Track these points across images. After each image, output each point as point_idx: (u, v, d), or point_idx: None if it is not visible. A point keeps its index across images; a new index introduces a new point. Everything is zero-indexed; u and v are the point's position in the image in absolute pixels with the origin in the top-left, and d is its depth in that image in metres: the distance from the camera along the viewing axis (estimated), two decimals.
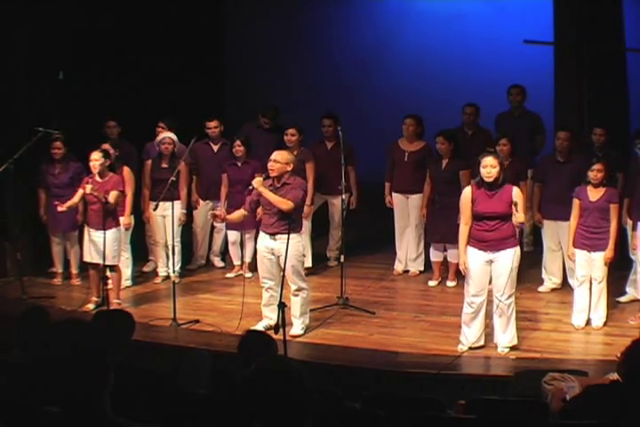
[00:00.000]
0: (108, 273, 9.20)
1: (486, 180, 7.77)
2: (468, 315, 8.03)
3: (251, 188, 8.34)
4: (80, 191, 9.23)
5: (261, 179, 8.36)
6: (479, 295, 7.94)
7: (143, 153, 10.72)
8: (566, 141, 9.43)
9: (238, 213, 8.61)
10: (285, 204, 8.21)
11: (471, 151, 10.10)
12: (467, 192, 7.96)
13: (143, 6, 12.14)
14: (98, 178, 9.19)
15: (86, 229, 9.34)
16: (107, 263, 9.12)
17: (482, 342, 8.11)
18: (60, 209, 9.24)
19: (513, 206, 7.65)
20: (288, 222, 8.10)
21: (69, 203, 9.29)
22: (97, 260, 9.22)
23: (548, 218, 9.52)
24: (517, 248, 7.93)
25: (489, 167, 7.74)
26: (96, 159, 9.15)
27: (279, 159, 8.31)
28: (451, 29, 13.09)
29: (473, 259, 7.90)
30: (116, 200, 9.14)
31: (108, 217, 9.10)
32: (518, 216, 7.65)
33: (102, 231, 9.02)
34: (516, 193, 7.79)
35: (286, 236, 7.95)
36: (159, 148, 10.16)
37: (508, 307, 7.95)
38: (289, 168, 8.35)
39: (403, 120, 10.22)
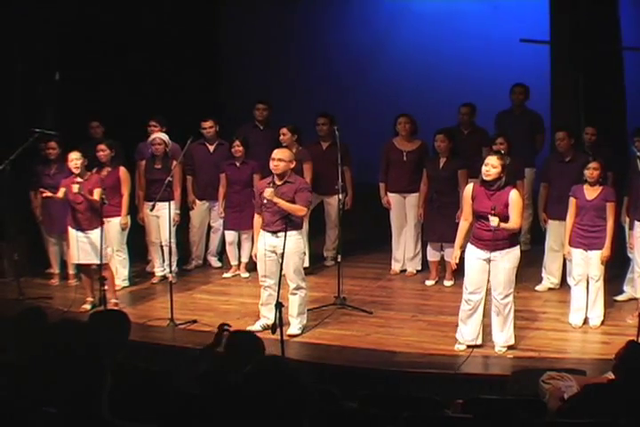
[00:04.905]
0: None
1: (484, 177, 7.78)
2: (464, 312, 8.03)
3: (265, 201, 8.25)
4: (63, 189, 9.15)
5: (272, 189, 8.23)
6: (476, 293, 7.92)
7: (136, 153, 10.68)
8: (564, 141, 9.44)
9: (258, 224, 8.48)
10: (300, 210, 8.23)
11: (467, 150, 10.11)
12: (469, 188, 8.00)
13: (138, 5, 12.13)
14: (78, 178, 9.10)
15: (70, 231, 9.23)
16: (97, 262, 9.03)
17: (479, 342, 8.08)
18: (44, 195, 9.14)
19: (491, 210, 7.65)
20: (289, 220, 8.10)
21: (56, 195, 9.18)
22: (86, 261, 9.20)
23: (554, 218, 9.44)
24: (517, 248, 7.90)
25: (489, 166, 7.73)
26: (77, 158, 9.07)
27: (283, 158, 8.28)
28: (446, 28, 13.06)
29: (471, 256, 7.91)
30: (102, 197, 9.00)
31: (94, 216, 9.06)
32: (492, 220, 7.64)
33: (89, 231, 9.02)
34: (512, 197, 7.74)
35: (289, 233, 7.98)
36: (151, 149, 10.14)
37: (505, 306, 7.94)
38: (292, 165, 8.35)
39: (396, 119, 10.19)
